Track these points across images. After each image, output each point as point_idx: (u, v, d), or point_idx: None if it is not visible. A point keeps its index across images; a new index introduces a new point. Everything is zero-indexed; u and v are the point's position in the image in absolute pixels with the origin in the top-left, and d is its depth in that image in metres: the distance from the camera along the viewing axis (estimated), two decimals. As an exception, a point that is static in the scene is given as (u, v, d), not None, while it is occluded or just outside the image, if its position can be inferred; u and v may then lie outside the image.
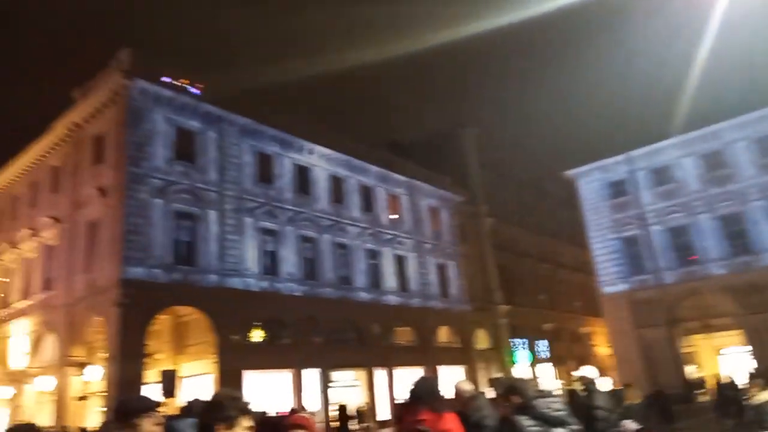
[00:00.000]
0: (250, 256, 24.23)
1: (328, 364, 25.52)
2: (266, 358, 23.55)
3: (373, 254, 30.67)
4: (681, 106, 29.98)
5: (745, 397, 9.42)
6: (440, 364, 31.02)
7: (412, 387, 4.48)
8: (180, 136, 23.28)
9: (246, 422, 2.47)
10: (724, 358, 31.54)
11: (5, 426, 21.88)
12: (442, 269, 34.93)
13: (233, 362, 21.34)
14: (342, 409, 20.83)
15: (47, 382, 22.50)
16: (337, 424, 22.70)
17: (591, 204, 34.66)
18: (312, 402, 23.65)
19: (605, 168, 34.28)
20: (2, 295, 27.36)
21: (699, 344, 32.19)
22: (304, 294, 25.90)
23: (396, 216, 33.18)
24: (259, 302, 23.73)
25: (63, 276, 23.13)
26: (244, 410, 2.45)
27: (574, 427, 3.74)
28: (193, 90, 24.22)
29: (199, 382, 21.53)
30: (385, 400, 27.32)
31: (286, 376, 24.10)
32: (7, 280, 27.35)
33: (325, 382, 25.14)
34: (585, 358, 44.26)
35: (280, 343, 24.82)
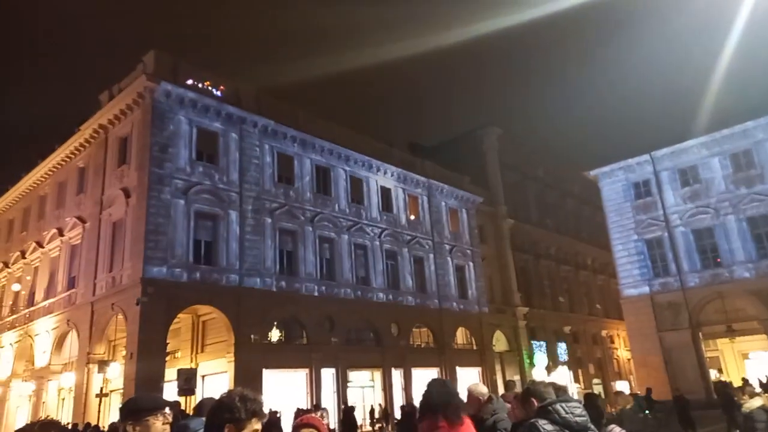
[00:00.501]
0: (270, 256, 24.43)
1: (345, 364, 25.63)
2: (284, 357, 23.76)
3: (392, 255, 30.66)
4: (705, 105, 29.40)
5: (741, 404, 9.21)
6: (457, 365, 30.91)
7: (426, 393, 4.33)
8: (202, 137, 23.62)
9: (256, 424, 2.41)
10: (750, 363, 30.82)
11: (27, 421, 22.34)
12: (460, 270, 34.77)
13: (251, 361, 21.57)
14: (348, 410, 20.72)
15: (69, 379, 22.98)
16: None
17: (614, 205, 34.16)
18: (328, 401, 23.76)
19: (629, 168, 33.75)
20: (26, 293, 27.98)
21: (723, 349, 31.49)
22: (322, 294, 26.03)
23: (415, 217, 33.12)
24: (277, 302, 23.93)
25: (86, 275, 23.61)
26: (254, 412, 2.38)
27: (594, 432, 3.64)
28: (216, 92, 24.53)
29: (217, 380, 21.78)
30: (402, 401, 27.29)
31: (303, 375, 24.25)
32: (30, 278, 27.98)
33: (342, 381, 25.23)
34: (604, 362, 43.71)
35: (297, 343, 25.02)
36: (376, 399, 26.99)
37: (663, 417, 21.88)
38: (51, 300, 25.88)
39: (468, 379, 27.93)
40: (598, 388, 39.11)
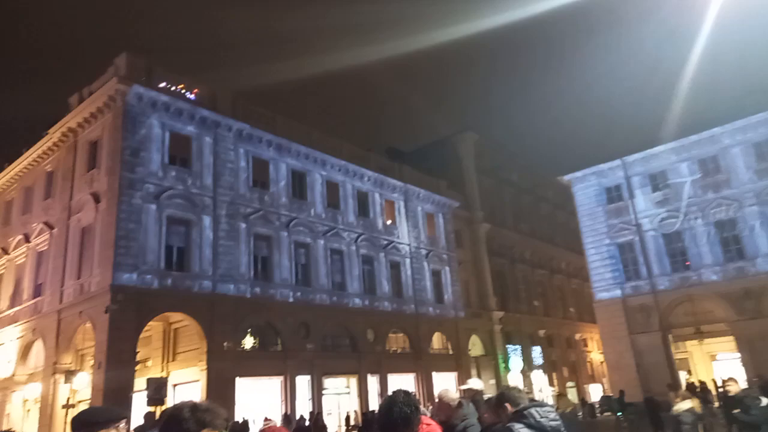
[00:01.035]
0: (244, 261, 24.12)
1: (320, 371, 25.42)
2: (258, 364, 23.45)
3: (368, 260, 30.58)
4: (675, 111, 30.06)
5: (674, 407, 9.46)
6: (433, 370, 30.94)
7: (386, 406, 4.02)
8: (175, 141, 23.23)
9: None
10: (718, 364, 31.53)
11: None
12: (437, 275, 34.85)
13: (224, 369, 21.23)
14: (316, 417, 20.43)
15: (34, 390, 22.27)
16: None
17: (586, 209, 34.66)
18: (303, 409, 23.53)
19: (601, 173, 34.31)
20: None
21: (693, 350, 32.17)
22: (298, 300, 25.79)
23: (392, 221, 33.11)
24: (251, 308, 23.62)
25: (53, 282, 22.97)
26: (204, 422, 2.22)
27: (566, 438, 3.64)
28: (190, 95, 24.17)
29: (190, 389, 21.35)
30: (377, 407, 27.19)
31: (278, 382, 23.97)
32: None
33: (318, 388, 25.00)
34: (578, 365, 44.29)
35: (272, 350, 24.72)
36: (352, 406, 26.80)
37: (635, 418, 22.25)
38: (16, 308, 25.07)
39: (444, 384, 27.95)
40: (572, 391, 39.56)
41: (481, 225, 40.38)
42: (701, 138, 30.77)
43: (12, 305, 25.50)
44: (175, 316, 22.45)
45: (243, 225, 24.62)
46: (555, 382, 40.32)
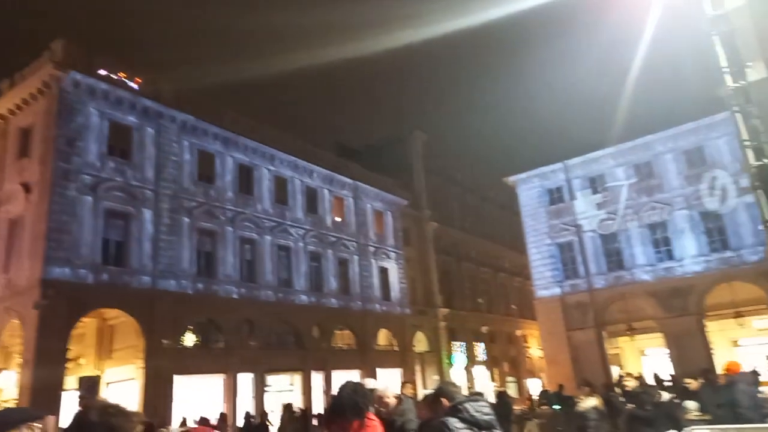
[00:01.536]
0: (186, 257, 23.48)
1: (263, 368, 25.09)
2: (199, 362, 22.89)
3: (316, 256, 30.40)
4: (617, 117, 31.42)
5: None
6: (378, 366, 31.13)
7: (337, 395, 4.33)
8: (115, 131, 22.35)
9: None
10: (647, 359, 33.27)
11: None
12: (384, 272, 35.07)
13: (163, 367, 20.63)
14: (222, 417, 20.03)
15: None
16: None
17: (529, 210, 35.72)
18: (245, 407, 23.16)
19: (544, 175, 35.42)
20: None
21: (624, 346, 33.80)
22: (242, 296, 25.34)
23: (340, 218, 33.03)
24: (193, 305, 23.04)
25: (-22, 276, 21.52)
26: (113, 428, 2.12)
27: (498, 431, 3.78)
28: (132, 84, 23.24)
29: (125, 387, 20.61)
30: (323, 404, 27.12)
31: (219, 380, 23.48)
32: None
33: (260, 386, 24.66)
34: (518, 360, 45.67)
35: (214, 347, 24.18)
36: (296, 403, 26.58)
37: (571, 411, 23.16)
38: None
39: (389, 380, 28.18)
40: (512, 386, 40.74)
41: (428, 223, 40.90)
42: (636, 144, 32.30)
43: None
44: (111, 313, 21.61)
45: (186, 219, 23.94)
46: (496, 377, 41.39)
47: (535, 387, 41.84)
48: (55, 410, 17.11)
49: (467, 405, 3.86)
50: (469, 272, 44.25)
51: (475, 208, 48.27)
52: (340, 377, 27.56)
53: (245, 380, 24.28)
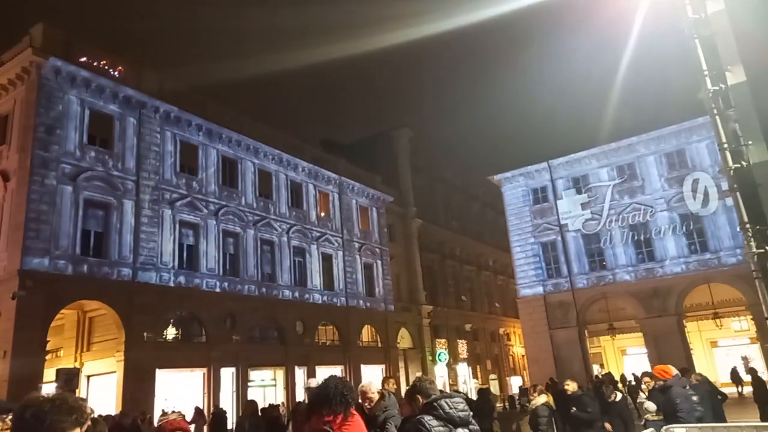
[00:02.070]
0: (168, 249, 23.22)
1: (246, 363, 24.97)
2: (180, 356, 22.69)
3: (300, 251, 30.27)
4: (602, 119, 31.69)
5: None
6: (362, 363, 31.16)
7: (322, 386, 4.35)
8: (96, 120, 21.97)
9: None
10: (628, 358, 33.75)
11: None
12: (369, 268, 35.04)
13: (143, 360, 20.41)
14: (218, 414, 19.64)
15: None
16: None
17: (514, 209, 35.94)
18: (227, 401, 23.05)
19: (528, 174, 35.65)
20: None
21: (605, 345, 34.22)
22: (225, 291, 25.15)
23: (325, 213, 32.92)
24: (174, 298, 22.82)
25: (-46, 265, 21.07)
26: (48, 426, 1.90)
27: (475, 427, 3.77)
28: (114, 72, 22.87)
29: (105, 380, 20.38)
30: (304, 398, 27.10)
31: (200, 375, 23.31)
32: None
33: (243, 381, 24.54)
34: (501, 358, 46.01)
35: (195, 341, 24.00)
36: (278, 398, 26.51)
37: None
38: None
39: (372, 377, 28.24)
40: (494, 384, 41.04)
41: (413, 220, 40.95)
42: (620, 146, 32.65)
43: None
44: (91, 305, 21.30)
45: (168, 211, 23.67)
46: (479, 374, 41.66)
47: (516, 384, 42.15)
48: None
49: (442, 402, 3.84)
50: (454, 270, 44.43)
51: (460, 206, 48.45)
52: (323, 373, 27.54)
53: (227, 375, 24.13)
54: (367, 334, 34.04)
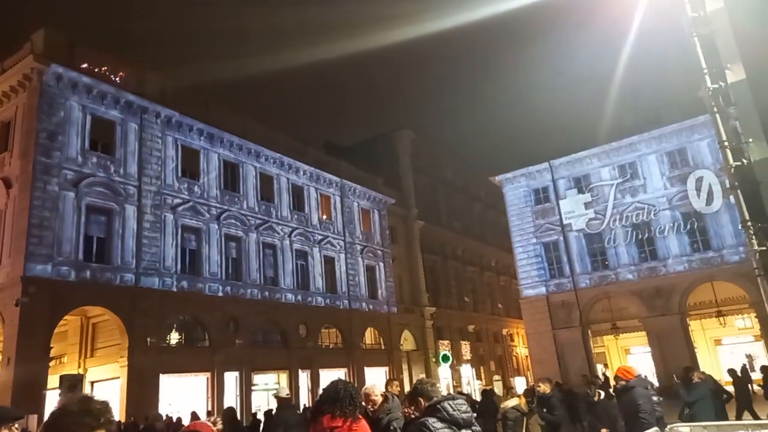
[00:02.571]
0: (170, 254, 23.26)
1: (249, 367, 24.96)
2: (183, 360, 22.71)
3: (302, 255, 30.28)
4: (601, 118, 31.70)
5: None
6: (365, 365, 31.14)
7: (325, 391, 4.38)
8: (97, 125, 22.04)
9: None
10: (631, 358, 33.65)
11: None
12: (371, 271, 35.04)
13: (147, 365, 20.42)
14: (194, 416, 19.67)
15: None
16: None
17: (516, 209, 35.91)
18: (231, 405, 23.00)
19: (530, 175, 35.63)
20: None
21: (609, 345, 34.14)
22: (227, 295, 25.17)
23: (327, 216, 32.93)
24: (177, 303, 22.84)
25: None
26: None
27: (477, 428, 3.78)
28: (115, 78, 22.96)
29: (109, 386, 20.39)
30: (309, 403, 27.05)
31: (204, 379, 23.33)
32: None
33: (246, 385, 24.53)
34: (504, 359, 45.94)
35: (199, 346, 24.00)
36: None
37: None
38: None
39: (375, 379, 28.21)
40: (498, 385, 40.95)
41: (415, 222, 40.94)
42: (621, 145, 32.62)
43: None
44: (94, 310, 21.35)
45: (170, 216, 23.72)
46: (482, 375, 41.59)
47: (520, 385, 42.10)
48: (37, 409, 16.89)
49: (445, 404, 3.85)
50: (456, 271, 44.39)
51: (462, 207, 48.43)
52: (327, 376, 27.55)
53: (231, 379, 24.13)
54: (370, 336, 34.01)
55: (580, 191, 33.67)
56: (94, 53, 22.94)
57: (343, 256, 32.97)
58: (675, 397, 12.26)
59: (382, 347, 34.13)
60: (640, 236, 31.43)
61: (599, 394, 10.79)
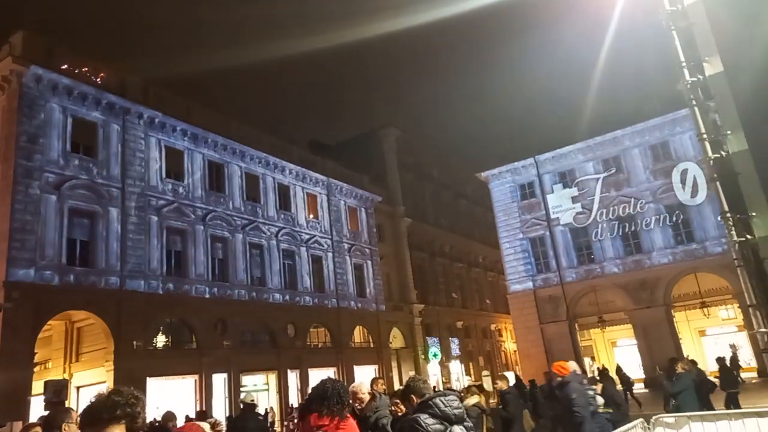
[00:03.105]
0: (156, 256, 23.02)
1: (237, 368, 24.83)
2: (171, 363, 22.52)
3: (289, 254, 30.16)
4: (584, 112, 32.00)
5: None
6: (354, 364, 31.13)
7: (313, 390, 4.38)
8: (79, 127, 21.73)
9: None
10: (618, 350, 34.04)
11: None
12: (359, 269, 35.01)
13: (134, 369, 20.18)
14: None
15: None
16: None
17: (502, 205, 36.12)
18: (219, 408, 22.91)
19: (515, 170, 35.86)
20: None
21: (596, 338, 34.50)
22: (214, 296, 24.99)
23: (314, 215, 32.84)
24: (164, 305, 22.63)
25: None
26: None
27: (469, 424, 3.80)
28: (96, 79, 22.65)
29: (95, 391, 20.07)
30: (297, 402, 27.00)
31: (192, 381, 23.15)
32: None
33: (235, 386, 24.40)
34: (493, 354, 46.21)
35: (186, 348, 23.82)
36: (271, 402, 26.41)
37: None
38: None
39: (365, 377, 28.18)
40: (487, 380, 41.16)
41: (402, 219, 40.99)
42: (605, 139, 32.96)
43: None
44: (79, 315, 21.07)
45: (154, 218, 23.47)
46: (471, 371, 41.79)
47: (511, 380, 42.30)
48: (22, 416, 16.65)
49: (437, 400, 3.87)
50: (443, 268, 44.52)
51: (448, 203, 48.57)
52: (316, 375, 27.50)
53: (219, 381, 23.98)
54: (359, 334, 34.00)
55: (566, 186, 33.95)
56: (74, 54, 22.63)
57: (330, 254, 32.90)
58: (660, 389, 12.41)
59: (371, 345, 34.14)
60: (625, 229, 31.78)
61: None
